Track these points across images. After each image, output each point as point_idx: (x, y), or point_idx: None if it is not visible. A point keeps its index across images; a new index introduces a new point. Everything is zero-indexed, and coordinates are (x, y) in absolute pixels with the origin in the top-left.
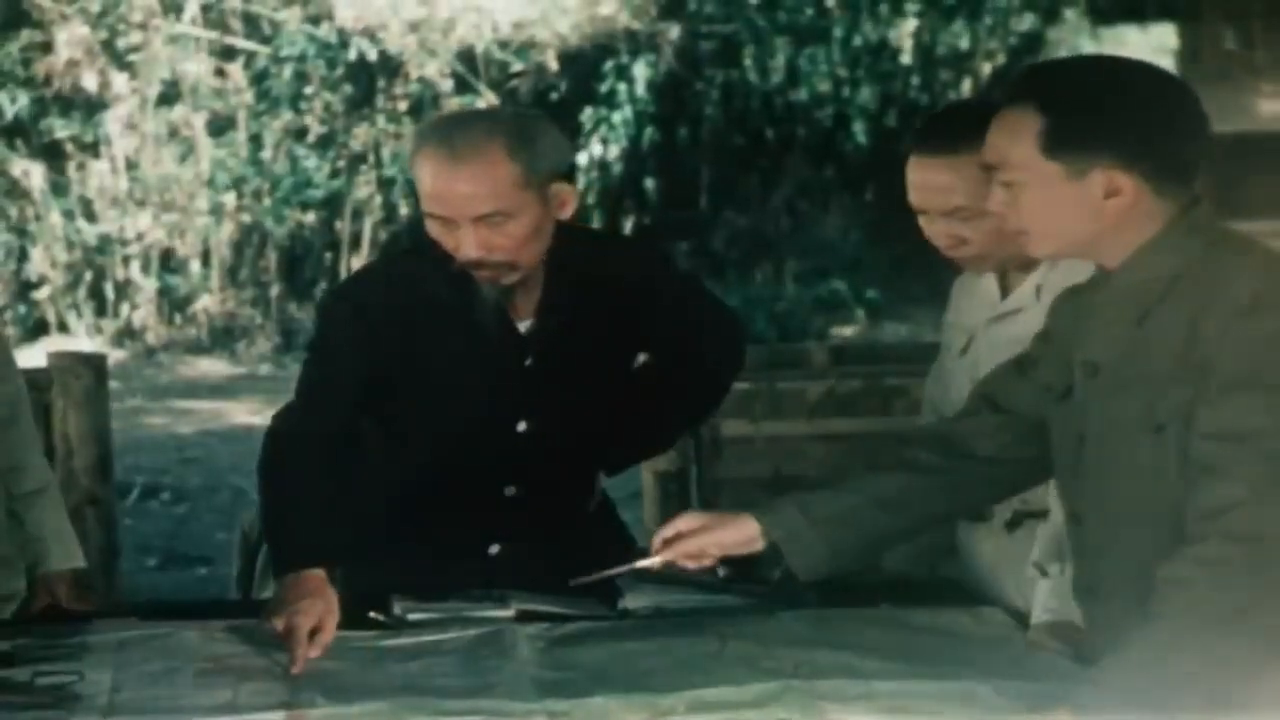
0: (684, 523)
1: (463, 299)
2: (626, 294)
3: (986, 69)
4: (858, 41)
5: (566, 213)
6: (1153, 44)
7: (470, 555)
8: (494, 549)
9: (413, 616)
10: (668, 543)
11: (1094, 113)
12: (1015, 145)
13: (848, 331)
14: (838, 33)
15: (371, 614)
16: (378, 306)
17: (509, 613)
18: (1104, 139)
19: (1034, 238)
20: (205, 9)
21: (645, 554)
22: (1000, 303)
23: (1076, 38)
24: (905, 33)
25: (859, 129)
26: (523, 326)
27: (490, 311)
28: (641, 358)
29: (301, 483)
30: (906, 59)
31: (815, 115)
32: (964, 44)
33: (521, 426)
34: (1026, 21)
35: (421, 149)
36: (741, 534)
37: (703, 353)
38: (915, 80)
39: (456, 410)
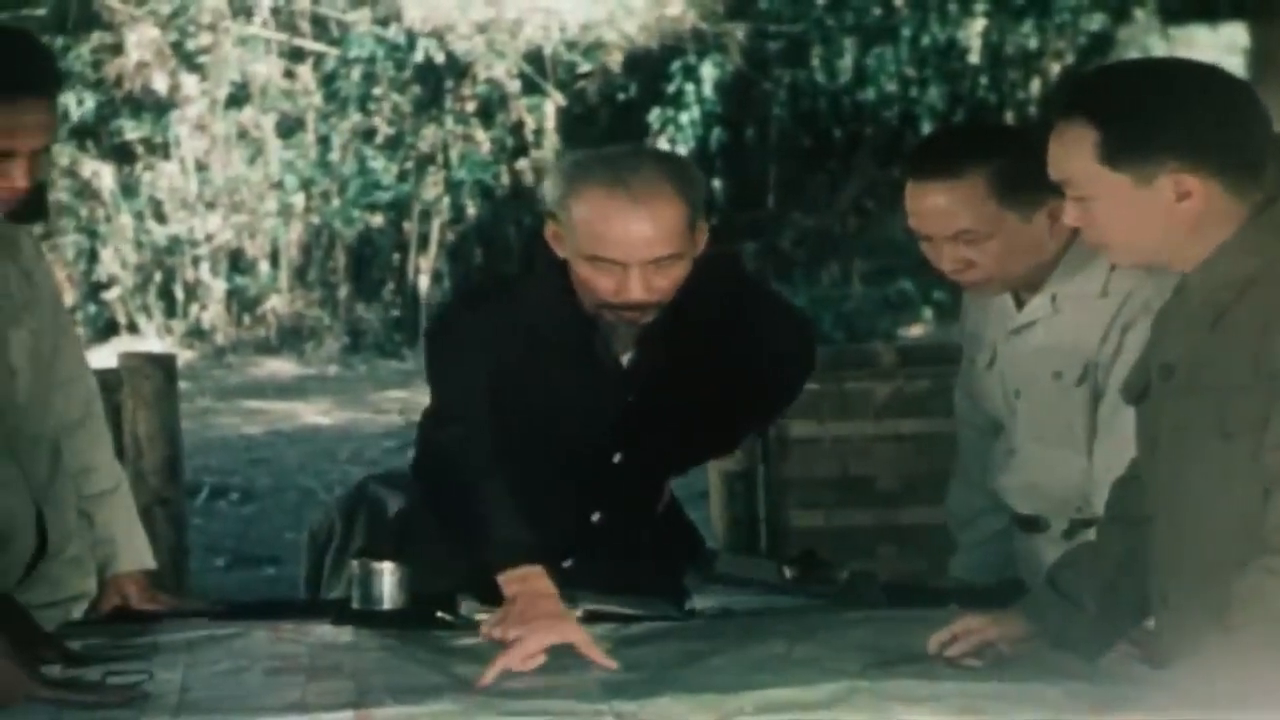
0: (959, 626)
1: (572, 334)
2: (711, 311)
3: (1055, 69)
4: (926, 41)
5: (699, 249)
6: (1223, 43)
7: (545, 565)
8: (568, 563)
9: (480, 617)
10: (944, 645)
11: (1148, 118)
12: (1075, 160)
13: (915, 331)
14: (906, 32)
15: (439, 614)
16: (486, 338)
17: (577, 613)
18: (1163, 142)
19: (1115, 248)
20: (274, 11)
21: (714, 555)
22: (1016, 315)
23: (1146, 37)
24: (974, 32)
25: (927, 128)
26: (624, 360)
27: (599, 348)
28: None
29: (492, 483)
30: (975, 59)
31: (883, 115)
32: (1033, 44)
33: (617, 458)
34: (1096, 21)
35: (587, 189)
36: (1018, 629)
37: (774, 360)
38: (983, 80)
39: (556, 443)
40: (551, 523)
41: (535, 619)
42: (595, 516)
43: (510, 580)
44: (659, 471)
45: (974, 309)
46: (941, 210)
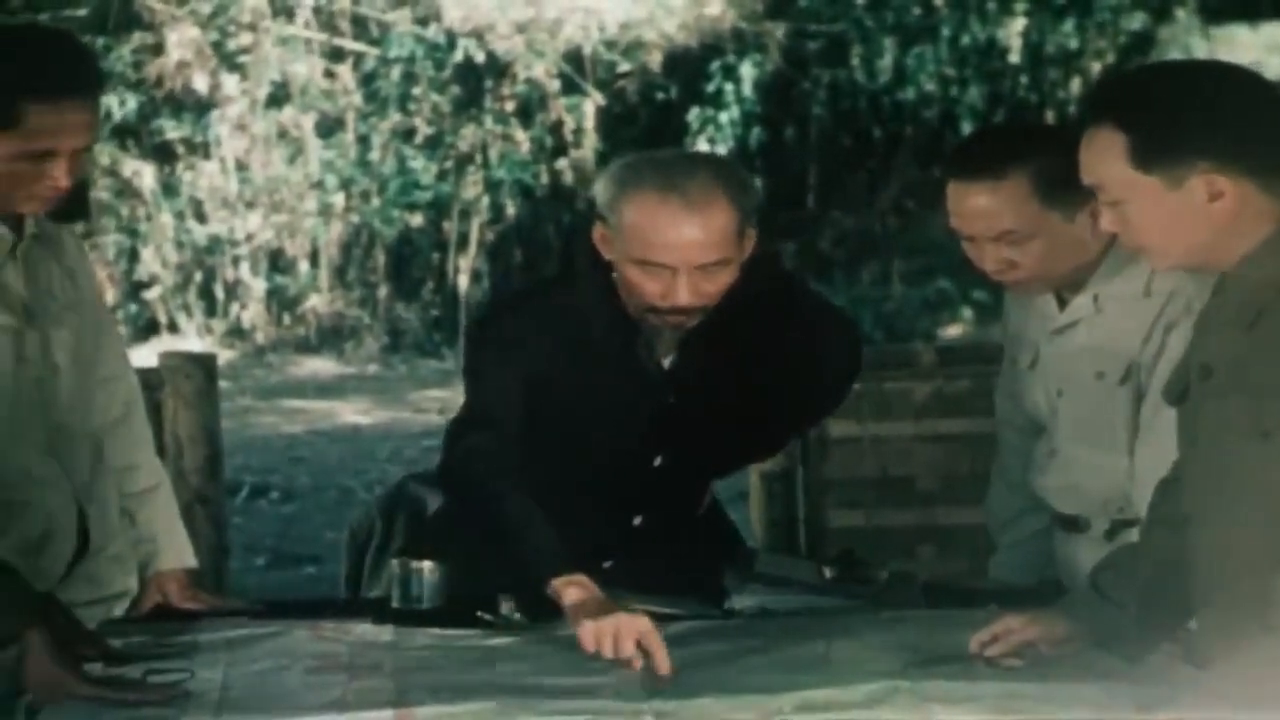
0: (1000, 626)
1: (615, 336)
2: (754, 313)
3: (1096, 68)
4: (966, 40)
5: (747, 254)
6: (1265, 42)
7: (585, 567)
8: (608, 564)
9: (520, 616)
10: (985, 645)
11: (1175, 120)
12: (1106, 165)
13: (955, 331)
14: (945, 32)
15: (480, 613)
16: (527, 340)
17: None
18: (1191, 143)
19: (1153, 252)
20: (315, 11)
21: (753, 555)
22: (1058, 315)
23: (1187, 37)
24: (1014, 32)
25: (967, 128)
26: (666, 363)
27: (641, 351)
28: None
29: (516, 493)
30: (1015, 58)
31: (923, 114)
32: (1073, 43)
33: (658, 461)
34: (1137, 20)
35: (639, 193)
36: (1059, 630)
37: (820, 363)
38: (1024, 80)
39: (597, 446)
40: (592, 525)
41: (615, 612)
42: (636, 520)
43: (567, 585)
44: (700, 475)
45: (1016, 309)
46: (984, 211)
